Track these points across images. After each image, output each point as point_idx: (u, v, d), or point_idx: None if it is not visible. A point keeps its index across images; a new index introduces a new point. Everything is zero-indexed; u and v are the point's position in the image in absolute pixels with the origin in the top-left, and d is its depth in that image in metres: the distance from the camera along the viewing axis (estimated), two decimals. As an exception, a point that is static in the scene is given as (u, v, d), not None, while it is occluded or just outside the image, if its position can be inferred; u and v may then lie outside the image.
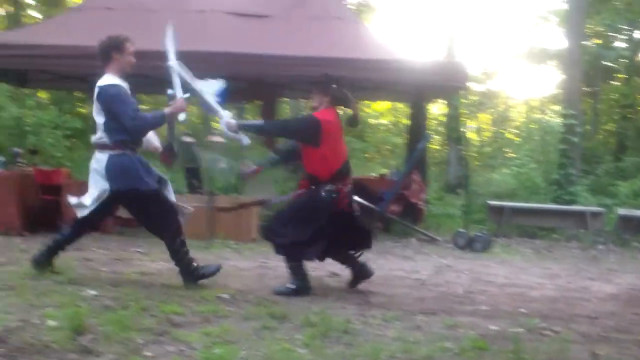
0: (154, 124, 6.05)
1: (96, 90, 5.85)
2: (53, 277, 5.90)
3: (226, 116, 6.23)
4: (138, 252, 8.18)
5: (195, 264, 6.07)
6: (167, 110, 5.96)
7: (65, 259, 6.91)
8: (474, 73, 22.31)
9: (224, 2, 12.21)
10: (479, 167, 21.46)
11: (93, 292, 5.38)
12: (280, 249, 6.11)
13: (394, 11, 39.74)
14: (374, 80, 10.48)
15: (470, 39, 25.06)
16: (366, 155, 19.68)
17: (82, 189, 10.15)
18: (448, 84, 10.70)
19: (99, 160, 5.86)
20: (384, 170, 14.19)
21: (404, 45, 25.88)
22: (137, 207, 6.07)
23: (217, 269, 6.11)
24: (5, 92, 16.51)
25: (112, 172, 5.79)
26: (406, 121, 13.05)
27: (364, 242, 6.39)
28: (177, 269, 6.08)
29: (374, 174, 13.96)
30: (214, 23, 11.27)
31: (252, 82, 10.54)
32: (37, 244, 8.43)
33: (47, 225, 9.96)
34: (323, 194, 5.94)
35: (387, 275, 7.24)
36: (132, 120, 5.73)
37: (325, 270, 7.05)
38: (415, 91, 11.40)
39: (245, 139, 6.31)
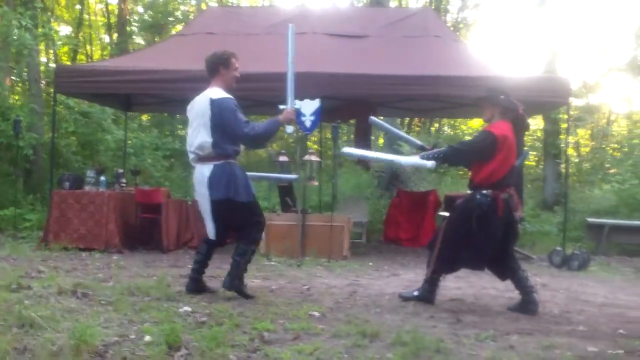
0: (270, 131, 6.25)
1: (207, 102, 6.03)
2: (150, 293, 6.08)
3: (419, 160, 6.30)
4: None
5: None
6: (280, 117, 6.25)
7: (162, 275, 7.12)
8: (574, 87, 21.69)
9: (322, 25, 12.41)
10: (577, 183, 20.83)
11: (188, 309, 5.52)
12: (432, 261, 6.27)
13: (491, 27, 39.36)
14: (472, 97, 10.39)
15: (569, 51, 24.48)
16: (460, 172, 19.36)
17: (179, 207, 10.60)
18: (550, 100, 10.53)
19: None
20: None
21: (502, 61, 25.46)
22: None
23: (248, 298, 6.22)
24: (110, 116, 17.23)
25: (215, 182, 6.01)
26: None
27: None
28: (267, 286, 6.19)
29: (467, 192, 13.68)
30: (313, 44, 11.43)
31: (348, 101, 10.61)
32: (135, 261, 8.76)
33: (145, 243, 10.33)
34: (478, 196, 6.05)
35: (479, 294, 7.15)
36: (249, 130, 5.96)
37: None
38: (514, 107, 11.26)
39: (431, 163, 6.27)
